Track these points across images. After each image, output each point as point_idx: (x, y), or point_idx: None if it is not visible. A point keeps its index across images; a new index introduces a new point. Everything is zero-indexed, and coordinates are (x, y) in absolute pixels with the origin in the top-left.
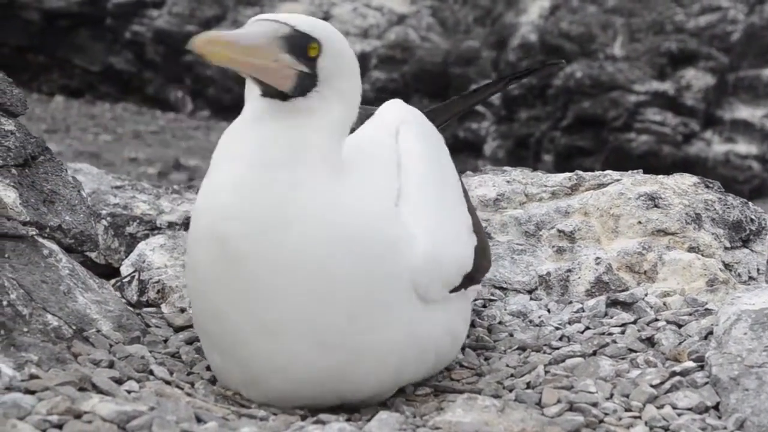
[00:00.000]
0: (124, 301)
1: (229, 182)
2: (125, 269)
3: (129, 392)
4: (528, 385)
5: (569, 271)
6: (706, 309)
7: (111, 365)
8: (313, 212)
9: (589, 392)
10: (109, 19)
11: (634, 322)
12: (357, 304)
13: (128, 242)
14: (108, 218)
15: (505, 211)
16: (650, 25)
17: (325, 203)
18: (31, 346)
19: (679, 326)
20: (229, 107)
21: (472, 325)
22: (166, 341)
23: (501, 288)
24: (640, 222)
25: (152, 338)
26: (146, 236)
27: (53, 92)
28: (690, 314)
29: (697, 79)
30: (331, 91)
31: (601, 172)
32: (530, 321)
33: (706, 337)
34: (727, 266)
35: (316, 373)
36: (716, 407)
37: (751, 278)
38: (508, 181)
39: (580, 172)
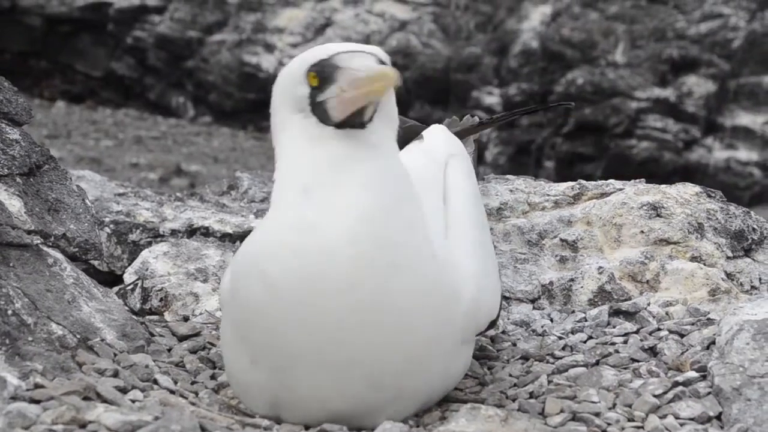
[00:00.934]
0: (127, 309)
1: (353, 212)
2: (128, 277)
3: (133, 401)
4: (531, 395)
5: (572, 280)
6: (709, 319)
7: (115, 374)
8: (412, 263)
9: (592, 402)
10: (111, 24)
11: (637, 332)
12: (420, 349)
13: (131, 250)
14: (111, 226)
15: (508, 220)
16: (652, 32)
17: (423, 256)
18: (36, 356)
19: (682, 336)
20: (230, 113)
21: None
22: (170, 350)
23: (504, 297)
24: (642, 231)
25: (156, 347)
26: (149, 244)
27: (55, 98)
28: (692, 324)
29: (698, 85)
30: (384, 115)
31: (603, 181)
32: (533, 330)
33: (708, 347)
34: (730, 276)
35: (358, 406)
36: (719, 417)
37: (753, 288)
38: (511, 190)
39: (583, 182)
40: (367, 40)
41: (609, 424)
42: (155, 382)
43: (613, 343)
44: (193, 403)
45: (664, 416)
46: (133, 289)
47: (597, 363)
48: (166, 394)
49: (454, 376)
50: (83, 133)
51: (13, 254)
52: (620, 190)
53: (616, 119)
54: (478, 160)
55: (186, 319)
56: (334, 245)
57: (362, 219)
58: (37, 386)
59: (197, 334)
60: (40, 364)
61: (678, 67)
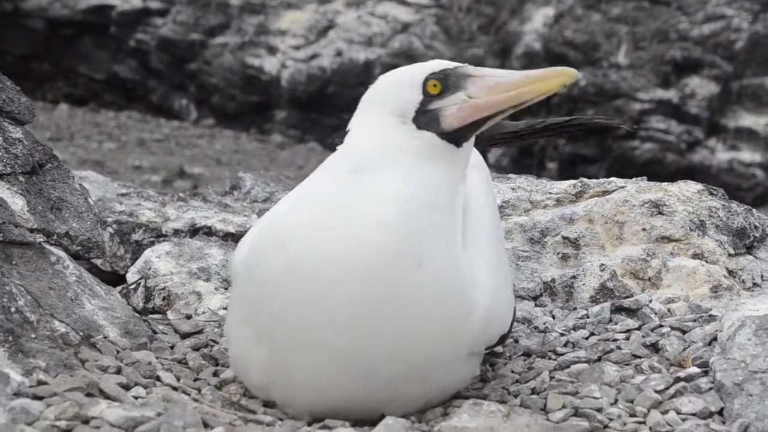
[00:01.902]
0: (130, 307)
1: (390, 203)
2: (131, 276)
3: (136, 398)
4: (533, 391)
5: (574, 277)
6: (710, 315)
7: (118, 371)
8: (441, 261)
9: (594, 398)
10: (114, 27)
11: (639, 329)
12: (424, 361)
13: (134, 249)
14: (114, 225)
15: (510, 218)
16: (654, 34)
17: (449, 271)
18: (39, 353)
19: (684, 332)
20: (232, 115)
21: None
22: (172, 347)
23: None
24: (644, 229)
25: (159, 344)
26: (152, 243)
27: (58, 100)
28: (694, 320)
29: (701, 87)
30: (471, 144)
31: (605, 179)
32: (535, 327)
33: (710, 343)
34: (731, 273)
35: (359, 406)
36: (720, 413)
37: (755, 284)
38: (513, 189)
39: (585, 180)
40: (369, 42)
41: (611, 420)
42: (158, 378)
43: (614, 340)
44: (195, 400)
45: (665, 412)
46: (136, 288)
47: (599, 359)
48: (168, 390)
49: (455, 385)
50: (86, 135)
51: (16, 252)
52: (622, 188)
53: (619, 121)
54: None
55: (188, 317)
56: (363, 230)
57: (397, 210)
58: (40, 383)
59: (200, 332)
60: (43, 361)
61: (681, 68)
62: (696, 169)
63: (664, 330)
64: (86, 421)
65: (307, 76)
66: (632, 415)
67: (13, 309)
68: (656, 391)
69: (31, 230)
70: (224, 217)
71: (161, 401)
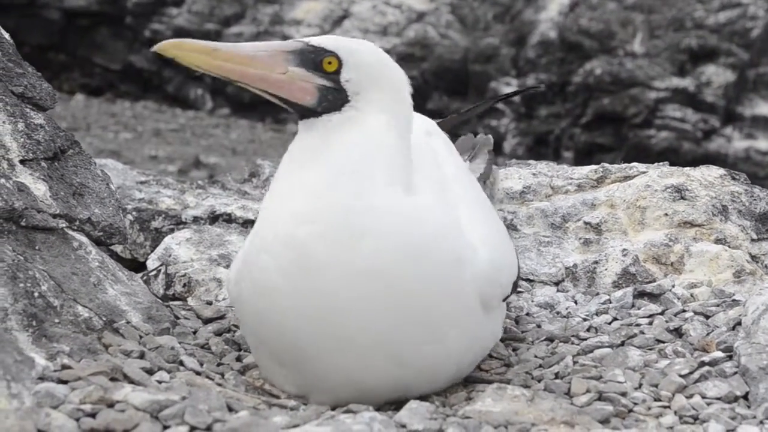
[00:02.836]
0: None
1: (300, 191)
2: (151, 263)
3: (160, 382)
4: (556, 376)
5: (596, 262)
6: (734, 300)
7: (141, 356)
8: (385, 224)
9: (618, 382)
10: (129, 17)
11: (662, 313)
12: (429, 316)
13: (153, 237)
14: (133, 213)
15: (531, 203)
16: (670, 22)
17: (395, 214)
18: (63, 337)
19: (707, 317)
20: (248, 105)
21: None
22: (195, 332)
23: (528, 280)
24: (666, 214)
25: (182, 330)
26: (171, 231)
27: (74, 91)
28: (717, 305)
29: (717, 75)
30: (366, 103)
31: (626, 164)
32: (557, 312)
33: (734, 328)
34: (754, 258)
35: (386, 382)
36: (745, 397)
37: None
38: (533, 174)
39: (606, 165)
40: (384, 31)
41: (635, 404)
42: (181, 363)
43: (638, 325)
44: (219, 384)
45: (690, 396)
46: (156, 275)
47: (622, 344)
48: (192, 375)
49: (482, 343)
50: (102, 125)
51: (38, 237)
52: (644, 173)
53: (635, 109)
54: (496, 150)
55: (209, 303)
56: (287, 230)
57: (306, 198)
58: (64, 367)
59: (222, 317)
60: (67, 345)
61: (697, 56)
62: (713, 157)
63: (688, 315)
64: (111, 405)
65: None
66: (657, 400)
67: (36, 294)
68: (681, 376)
69: (54, 216)
70: (244, 204)
71: (185, 386)
